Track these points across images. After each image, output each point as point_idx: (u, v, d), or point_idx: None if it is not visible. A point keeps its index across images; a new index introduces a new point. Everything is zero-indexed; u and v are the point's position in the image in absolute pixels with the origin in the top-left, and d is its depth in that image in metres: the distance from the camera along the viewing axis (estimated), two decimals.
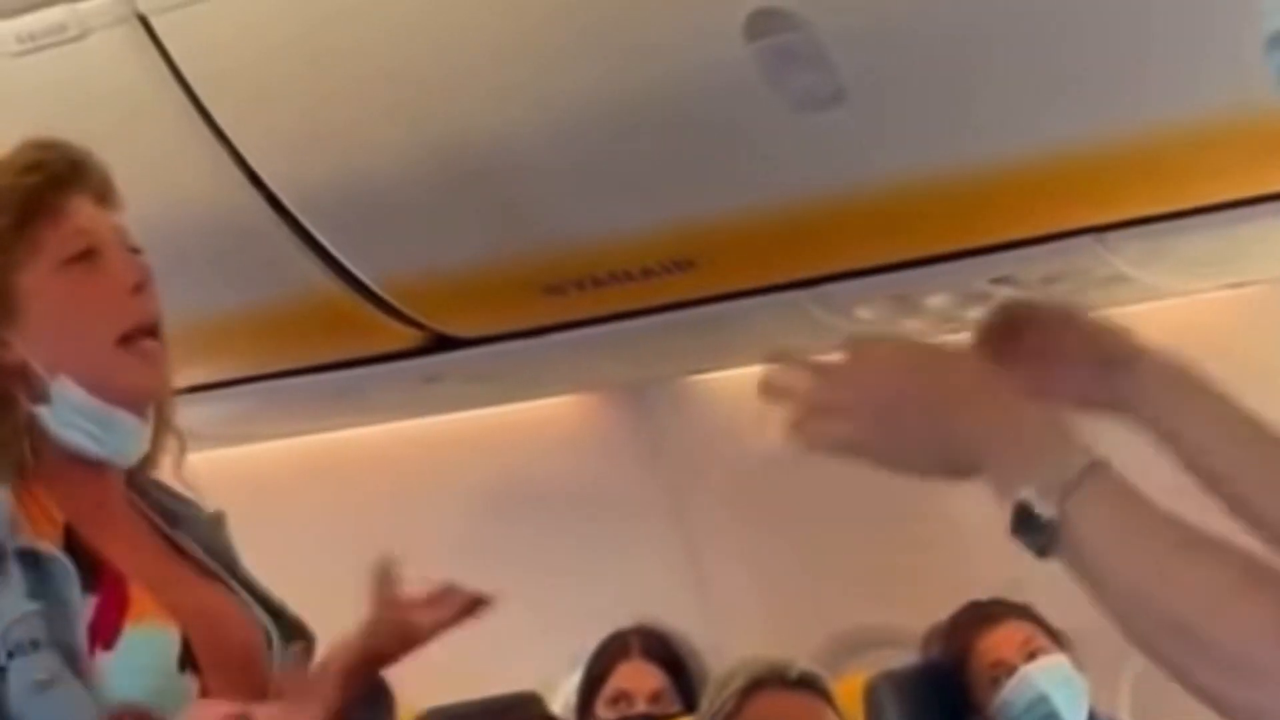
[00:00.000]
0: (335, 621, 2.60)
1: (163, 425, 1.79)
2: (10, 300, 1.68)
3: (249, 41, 2.36)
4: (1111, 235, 2.64)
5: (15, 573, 1.57)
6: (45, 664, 1.54)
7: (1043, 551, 1.12)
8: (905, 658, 3.55)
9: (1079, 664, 3.30)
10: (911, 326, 3.15)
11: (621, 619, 3.88)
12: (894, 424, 1.25)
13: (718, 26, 2.18)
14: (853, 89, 2.25)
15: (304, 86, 2.42)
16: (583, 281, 2.78)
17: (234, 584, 1.81)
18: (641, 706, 3.35)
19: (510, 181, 2.52)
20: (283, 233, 2.67)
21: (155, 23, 2.38)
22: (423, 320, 2.99)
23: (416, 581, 1.88)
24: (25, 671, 1.53)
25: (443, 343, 3.12)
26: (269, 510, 1.96)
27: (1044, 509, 1.12)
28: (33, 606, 1.57)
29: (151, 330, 1.72)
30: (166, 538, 1.80)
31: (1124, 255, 2.72)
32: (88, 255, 1.70)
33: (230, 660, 1.71)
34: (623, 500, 4.06)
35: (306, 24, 2.32)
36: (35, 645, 1.55)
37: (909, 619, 3.59)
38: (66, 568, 1.61)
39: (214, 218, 2.59)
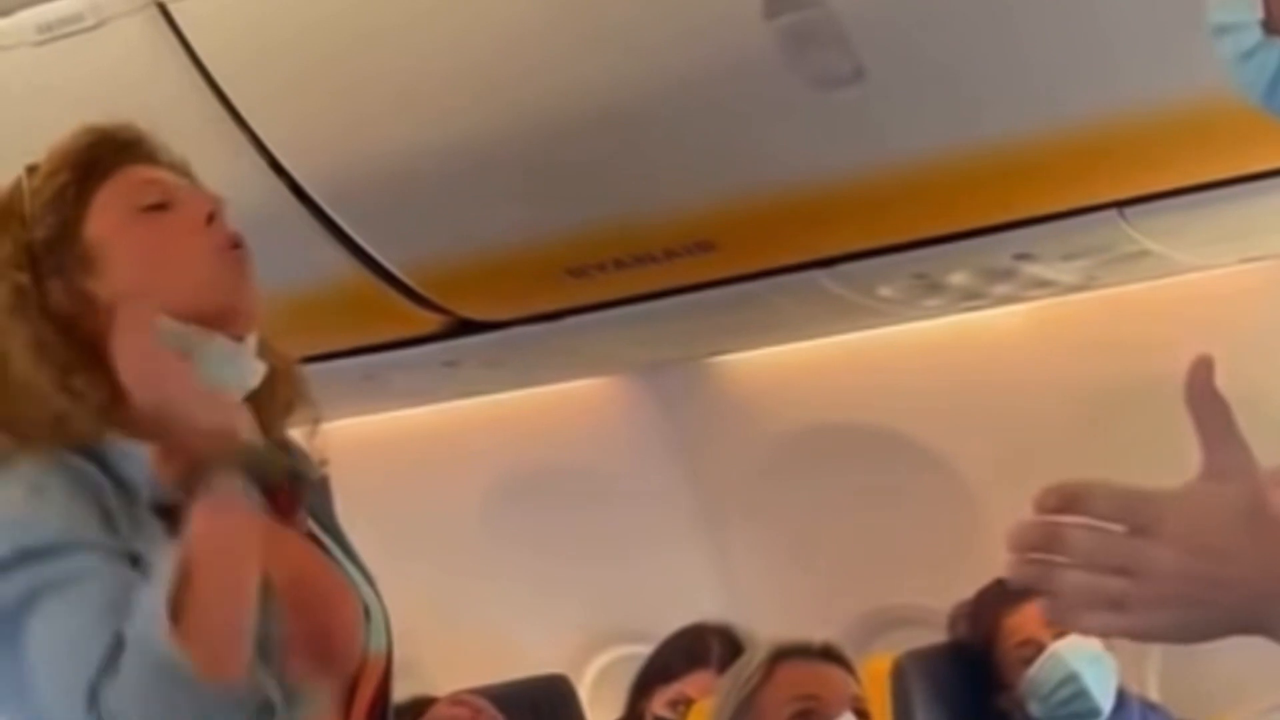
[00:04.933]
0: None
1: (283, 382, 1.77)
2: (85, 251, 1.68)
3: (268, 28, 2.37)
4: (1132, 210, 2.63)
5: (154, 524, 1.58)
6: None
7: None
8: (932, 637, 3.55)
9: (1107, 641, 3.29)
10: (933, 304, 3.15)
11: (646, 602, 3.89)
12: (1187, 611, 1.07)
13: (737, 6, 2.18)
14: (872, 67, 2.25)
15: (324, 73, 2.42)
16: (604, 264, 2.78)
17: (338, 553, 1.78)
18: None
19: (531, 165, 2.52)
20: (304, 219, 2.68)
21: (173, 10, 2.39)
22: (445, 304, 3.00)
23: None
24: None
25: (464, 326, 3.13)
26: None
27: None
28: None
29: (234, 244, 1.72)
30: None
31: (1145, 230, 2.71)
32: (162, 206, 1.71)
33: (323, 633, 1.67)
34: (644, 482, 4.06)
35: (325, 10, 2.33)
36: None
37: (934, 598, 3.59)
38: None
39: (235, 204, 2.58)
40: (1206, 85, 2.21)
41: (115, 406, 1.62)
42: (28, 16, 2.44)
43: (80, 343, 1.65)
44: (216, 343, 1.69)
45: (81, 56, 2.44)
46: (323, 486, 1.84)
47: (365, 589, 1.77)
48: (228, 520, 1.54)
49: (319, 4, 2.32)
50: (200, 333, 1.67)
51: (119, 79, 2.46)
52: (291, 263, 2.80)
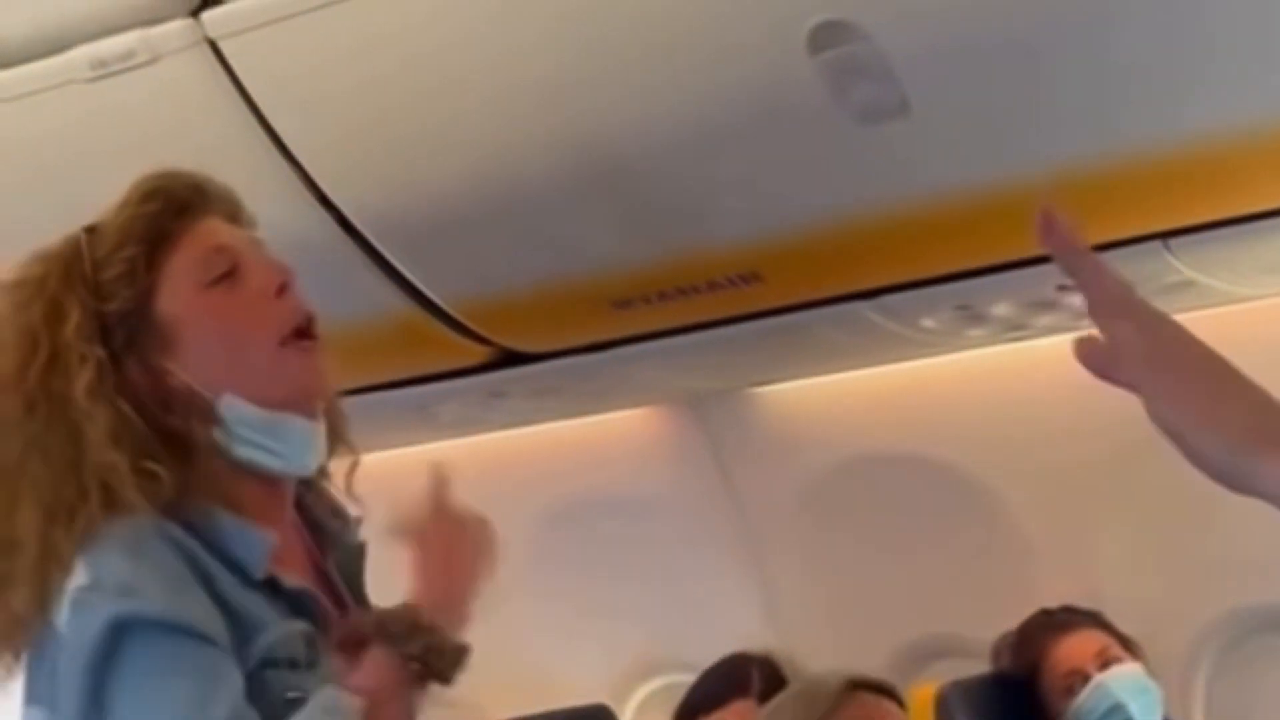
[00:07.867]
0: None
1: (334, 436, 1.78)
2: (158, 328, 1.67)
3: (317, 65, 2.39)
4: (1177, 241, 2.63)
5: (256, 595, 1.60)
6: (299, 683, 1.58)
7: None
8: (975, 667, 3.54)
9: (1151, 671, 3.28)
10: (976, 335, 3.15)
11: (689, 631, 3.89)
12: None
13: (782, 40, 2.19)
14: (916, 100, 2.25)
15: (372, 109, 2.44)
16: (649, 296, 2.79)
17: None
18: None
19: (576, 200, 2.54)
20: (353, 253, 2.70)
21: (224, 47, 2.41)
22: (491, 336, 3.01)
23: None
24: (278, 684, 1.57)
25: (511, 358, 3.14)
26: None
27: None
28: (299, 626, 1.61)
29: (304, 329, 1.72)
30: (317, 567, 1.78)
31: (1190, 261, 2.71)
32: (230, 274, 1.70)
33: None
34: (688, 512, 4.06)
35: (374, 47, 2.34)
36: (293, 664, 1.59)
37: (978, 628, 3.58)
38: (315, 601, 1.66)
39: (284, 239, 2.59)
40: (1250, 116, 2.22)
41: (187, 490, 1.62)
42: (81, 53, 2.46)
43: (151, 421, 1.64)
44: (295, 426, 1.70)
45: (134, 93, 2.46)
46: (359, 554, 1.84)
47: None
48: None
49: (368, 41, 2.34)
50: (278, 418, 1.68)
51: (170, 115, 2.48)
52: (340, 296, 2.82)
